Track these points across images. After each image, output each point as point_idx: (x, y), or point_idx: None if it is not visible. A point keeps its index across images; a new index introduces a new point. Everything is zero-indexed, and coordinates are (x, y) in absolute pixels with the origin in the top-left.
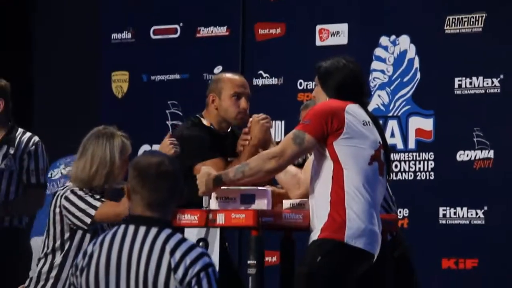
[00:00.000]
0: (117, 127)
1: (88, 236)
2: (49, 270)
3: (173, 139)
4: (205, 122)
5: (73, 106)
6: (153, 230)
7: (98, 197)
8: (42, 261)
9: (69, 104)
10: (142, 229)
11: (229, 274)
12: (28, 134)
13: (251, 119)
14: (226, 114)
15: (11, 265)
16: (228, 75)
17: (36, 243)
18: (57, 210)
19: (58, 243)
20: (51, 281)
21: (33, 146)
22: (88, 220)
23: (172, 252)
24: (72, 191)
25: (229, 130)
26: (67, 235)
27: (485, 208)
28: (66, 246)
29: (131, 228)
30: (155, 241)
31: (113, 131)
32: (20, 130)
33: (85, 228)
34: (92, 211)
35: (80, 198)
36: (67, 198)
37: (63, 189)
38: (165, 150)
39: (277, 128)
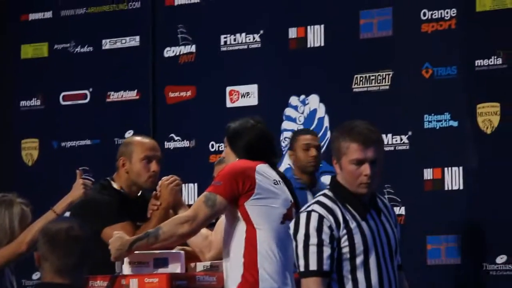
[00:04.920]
0: (17, 194)
1: None
2: None
3: (86, 180)
4: (115, 185)
5: None
6: None
7: None
8: None
9: None
10: None
11: None
12: None
13: (160, 182)
14: (137, 177)
15: None
16: (138, 138)
17: None
18: None
19: None
20: None
21: None
22: None
23: None
24: None
25: (139, 194)
26: None
27: None
28: None
29: None
30: None
31: (11, 199)
32: None
33: None
34: None
35: None
36: None
37: None
38: (76, 190)
39: (190, 190)
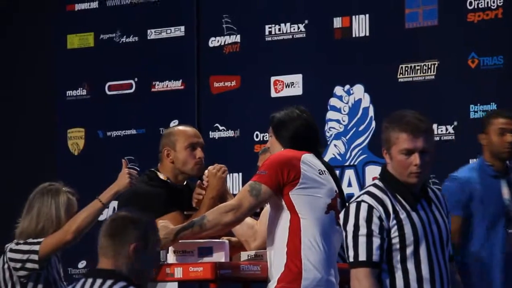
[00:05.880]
0: (64, 183)
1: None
2: None
3: (131, 169)
4: (161, 176)
5: (29, 165)
6: (108, 283)
7: (40, 239)
8: None
9: (25, 162)
10: (98, 282)
11: None
12: None
13: (206, 171)
14: (183, 166)
15: None
16: (180, 127)
17: None
18: (5, 266)
19: None
20: None
21: None
22: (36, 256)
23: None
24: (15, 243)
25: (185, 183)
26: None
27: None
28: None
29: (89, 281)
30: None
31: (58, 188)
32: None
33: (37, 267)
34: (36, 247)
35: (24, 243)
36: (11, 250)
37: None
38: (122, 179)
39: (235, 180)
